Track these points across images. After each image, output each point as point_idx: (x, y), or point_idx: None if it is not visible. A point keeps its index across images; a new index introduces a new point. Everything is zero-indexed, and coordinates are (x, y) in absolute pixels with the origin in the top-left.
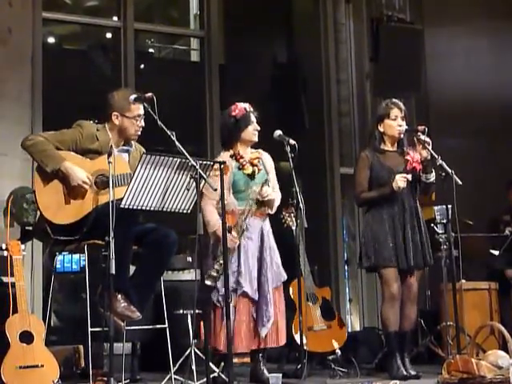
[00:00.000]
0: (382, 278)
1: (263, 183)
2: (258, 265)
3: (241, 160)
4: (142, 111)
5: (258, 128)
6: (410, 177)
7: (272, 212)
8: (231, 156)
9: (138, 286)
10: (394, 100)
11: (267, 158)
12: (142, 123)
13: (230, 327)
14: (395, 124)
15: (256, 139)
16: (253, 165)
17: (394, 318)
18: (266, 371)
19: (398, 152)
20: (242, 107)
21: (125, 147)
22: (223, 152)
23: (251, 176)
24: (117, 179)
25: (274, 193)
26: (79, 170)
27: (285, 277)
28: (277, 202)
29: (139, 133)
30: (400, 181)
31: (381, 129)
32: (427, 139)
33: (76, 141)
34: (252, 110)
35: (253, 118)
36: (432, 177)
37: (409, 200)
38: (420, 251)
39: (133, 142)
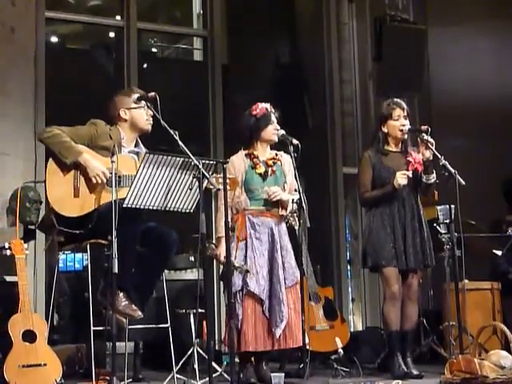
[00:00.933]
0: (382, 278)
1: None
2: (268, 265)
3: (254, 159)
4: None
5: (278, 128)
6: (410, 173)
7: (286, 213)
8: (246, 155)
9: (138, 285)
10: (395, 100)
11: (286, 160)
12: (150, 111)
13: (233, 327)
14: (398, 124)
15: (276, 139)
16: (267, 165)
17: (395, 318)
18: (268, 371)
19: (401, 153)
20: (263, 107)
21: (135, 149)
22: (241, 151)
23: (263, 176)
24: (126, 180)
25: (287, 194)
26: (97, 162)
27: (298, 277)
28: (291, 204)
29: (151, 121)
30: (400, 178)
31: (384, 130)
32: (430, 139)
33: (91, 137)
34: (273, 110)
35: (273, 117)
36: (432, 178)
37: (410, 201)
38: (420, 252)
39: (142, 146)
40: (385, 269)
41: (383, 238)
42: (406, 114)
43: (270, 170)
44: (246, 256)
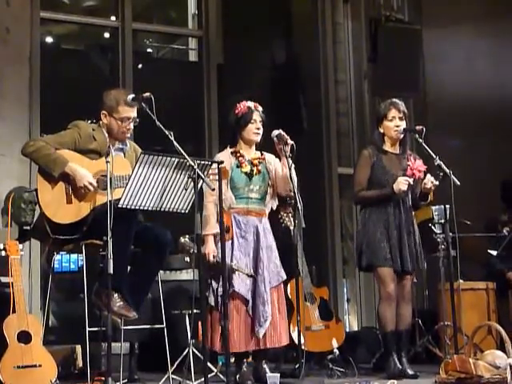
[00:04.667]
0: (378, 278)
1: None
2: (253, 264)
3: (240, 158)
4: (131, 114)
5: (260, 127)
6: (411, 181)
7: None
8: (232, 153)
9: (132, 286)
10: (392, 100)
11: (271, 158)
12: (131, 126)
13: (227, 327)
14: (392, 125)
15: (257, 139)
16: (253, 164)
17: (390, 318)
18: (267, 371)
19: (400, 154)
20: (245, 105)
21: (120, 146)
22: (227, 148)
23: (249, 175)
24: (118, 180)
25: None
26: (85, 170)
27: (283, 277)
28: (289, 181)
29: (128, 135)
30: (402, 184)
31: (381, 130)
32: (435, 181)
33: (75, 141)
34: (258, 109)
35: (255, 116)
36: (424, 204)
37: (405, 203)
38: (414, 255)
39: (127, 141)
40: (380, 269)
41: (378, 238)
42: (401, 115)
43: (255, 169)
44: (232, 255)
